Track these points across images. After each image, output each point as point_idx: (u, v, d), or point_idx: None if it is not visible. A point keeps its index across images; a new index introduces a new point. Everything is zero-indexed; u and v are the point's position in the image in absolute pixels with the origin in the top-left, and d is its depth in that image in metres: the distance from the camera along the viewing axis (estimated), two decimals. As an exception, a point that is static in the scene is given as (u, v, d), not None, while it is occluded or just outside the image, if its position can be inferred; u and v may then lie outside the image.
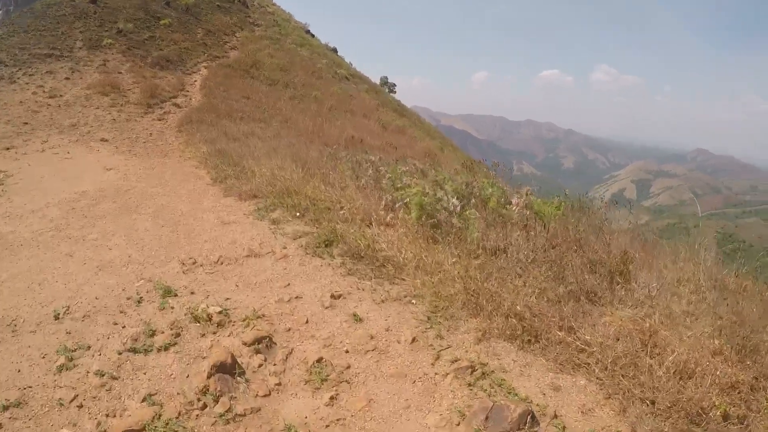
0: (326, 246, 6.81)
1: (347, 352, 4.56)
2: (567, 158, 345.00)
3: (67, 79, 17.14)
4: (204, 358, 4.28)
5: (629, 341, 4.82)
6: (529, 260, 6.72)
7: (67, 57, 19.08)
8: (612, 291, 6.14)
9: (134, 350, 4.42)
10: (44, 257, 6.51)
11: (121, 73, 18.04)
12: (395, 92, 35.39)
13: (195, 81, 19.45)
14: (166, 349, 4.43)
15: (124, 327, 4.80)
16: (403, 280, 5.89)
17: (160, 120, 14.94)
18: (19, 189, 9.49)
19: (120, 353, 4.41)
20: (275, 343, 4.51)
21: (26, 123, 13.73)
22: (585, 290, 6.12)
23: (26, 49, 19.25)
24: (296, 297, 5.34)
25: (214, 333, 4.63)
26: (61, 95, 15.69)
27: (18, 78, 17.03)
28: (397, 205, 8.33)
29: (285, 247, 6.80)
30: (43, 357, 4.51)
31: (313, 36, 32.95)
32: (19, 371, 4.36)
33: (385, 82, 36.17)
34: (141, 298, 5.31)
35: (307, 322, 4.92)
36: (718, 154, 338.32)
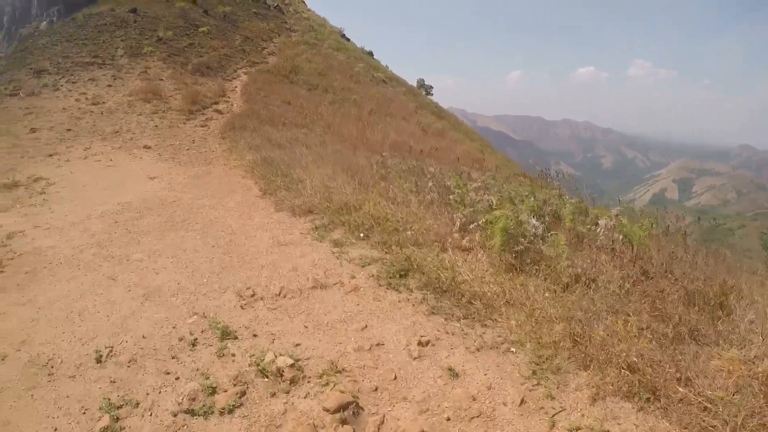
0: (401, 276, 5.85)
1: (449, 419, 3.61)
2: (606, 157, 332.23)
3: (109, 86, 16.63)
4: (278, 427, 3.36)
5: (750, 394, 3.82)
6: (623, 292, 5.70)
7: (109, 65, 18.63)
8: (714, 327, 5.12)
9: (192, 412, 3.56)
10: (85, 280, 5.74)
11: (162, 79, 17.48)
12: (432, 94, 34.39)
13: (235, 87, 18.81)
14: (230, 412, 3.55)
15: (177, 378, 3.94)
16: (496, 321, 4.91)
17: (202, 126, 14.25)
18: (60, 198, 8.84)
19: (175, 415, 3.55)
20: (362, 409, 3.58)
21: (69, 129, 13.18)
22: (689, 328, 5.12)
23: (69, 58, 18.89)
24: (377, 344, 4.40)
25: (287, 393, 3.73)
26: (103, 102, 15.15)
27: (61, 85, 16.60)
28: (471, 226, 7.34)
29: (354, 277, 5.88)
30: (84, 413, 3.71)
31: (348, 40, 32.24)
32: (55, 430, 3.53)
33: (422, 84, 35.17)
34: (195, 339, 4.44)
35: (395, 378, 3.98)
36: (764, 150, 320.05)
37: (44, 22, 28.91)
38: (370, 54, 32.40)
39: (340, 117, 18.86)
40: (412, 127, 23.25)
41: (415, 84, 33.42)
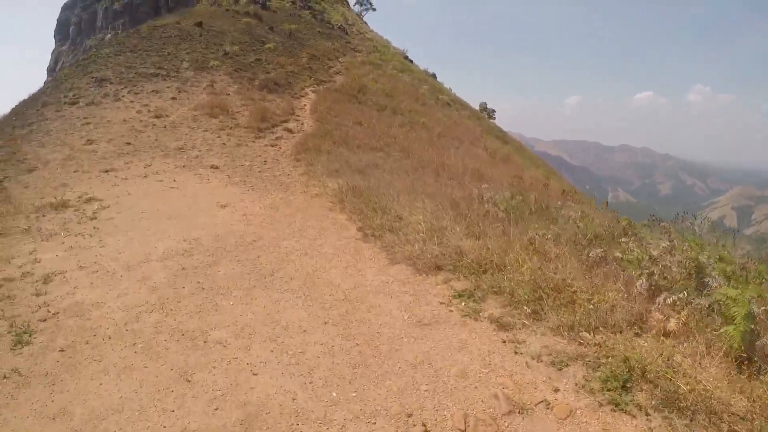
0: (623, 388, 3.55)
1: None
2: (664, 184, 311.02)
3: (173, 99, 14.81)
4: None
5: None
6: None
7: (173, 77, 16.92)
8: None
9: None
10: (144, 377, 3.57)
11: (228, 94, 15.63)
12: (494, 118, 32.01)
13: (304, 105, 16.83)
14: None
15: None
16: None
17: (272, 146, 12.20)
18: (114, 227, 6.82)
19: None
20: None
21: (129, 143, 11.27)
22: None
23: (132, 68, 17.26)
24: None
25: None
26: (166, 115, 13.28)
27: (123, 96, 14.87)
28: (669, 300, 4.95)
29: (557, 389, 3.59)
30: None
31: (411, 62, 30.27)
32: None
33: (484, 108, 32.86)
34: None
35: None
36: None
37: (109, 35, 27.89)
38: (434, 76, 30.37)
39: (413, 140, 16.66)
40: (480, 152, 20.95)
41: (477, 107, 31.24)
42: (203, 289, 5.11)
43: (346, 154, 12.05)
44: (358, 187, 9.25)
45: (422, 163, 13.70)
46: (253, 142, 12.30)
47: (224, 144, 11.65)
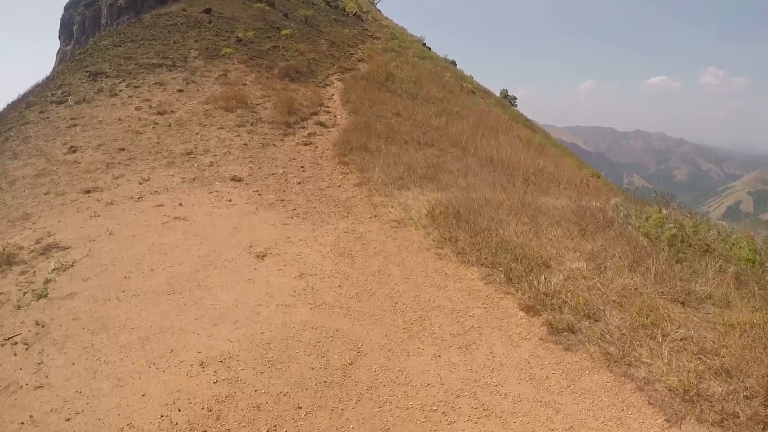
0: None
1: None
2: (680, 170, 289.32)
3: (180, 91, 11.35)
4: None
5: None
6: None
7: (180, 67, 13.42)
8: None
9: None
10: None
11: (245, 84, 12.16)
12: (516, 105, 28.35)
13: (332, 95, 13.38)
14: None
15: None
16: None
17: (306, 145, 8.82)
18: (74, 321, 3.47)
19: None
20: None
21: (122, 149, 7.90)
22: None
23: (133, 59, 13.76)
24: None
25: None
26: (172, 111, 9.85)
27: (120, 90, 11.42)
28: None
29: None
30: None
31: (429, 49, 26.64)
32: None
33: (505, 95, 29.12)
34: None
35: None
36: None
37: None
38: (454, 63, 26.68)
39: (458, 133, 13.28)
40: (515, 142, 17.55)
41: (498, 94, 27.66)
42: None
43: (396, 152, 8.74)
44: (452, 207, 5.88)
45: (484, 160, 10.36)
46: (282, 140, 8.91)
47: (246, 145, 8.26)
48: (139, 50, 14.13)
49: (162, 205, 5.88)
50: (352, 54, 19.09)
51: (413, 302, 4.09)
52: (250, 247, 4.91)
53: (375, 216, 5.89)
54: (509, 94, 29.35)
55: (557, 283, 3.98)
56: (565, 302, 3.79)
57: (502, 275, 4.27)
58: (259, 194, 6.36)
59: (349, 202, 6.33)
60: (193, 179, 6.73)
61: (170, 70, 13.27)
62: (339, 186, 6.85)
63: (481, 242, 4.82)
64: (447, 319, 3.83)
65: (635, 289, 3.82)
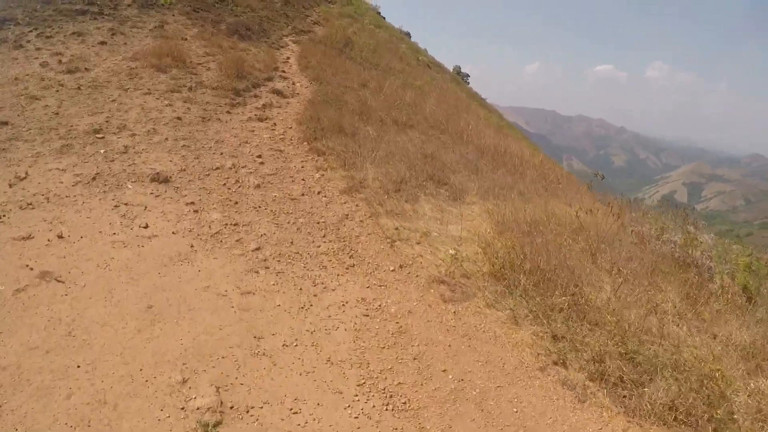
0: None
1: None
2: (618, 156, 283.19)
3: (102, 44, 8.30)
4: None
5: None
6: None
7: (108, 15, 10.13)
8: None
9: None
10: None
11: (185, 39, 9.20)
12: (469, 83, 26.11)
13: (288, 58, 10.65)
14: None
15: None
16: None
17: (261, 120, 6.34)
18: None
19: None
20: None
21: (5, 123, 4.96)
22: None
23: (52, 4, 10.15)
24: None
25: None
26: (86, 68, 6.92)
27: (28, 41, 8.27)
28: None
29: None
30: None
31: (384, 18, 23.61)
32: None
33: (458, 71, 26.69)
34: None
35: None
36: None
37: None
38: (408, 35, 23.82)
39: (432, 111, 11.09)
40: (483, 124, 15.59)
41: (451, 70, 25.18)
42: None
43: (378, 135, 6.61)
44: (512, 247, 3.69)
45: (476, 149, 8.35)
46: (229, 113, 6.35)
47: (179, 119, 5.68)
48: (58, -7, 10.49)
49: (29, 238, 3.34)
50: (307, 15, 15.99)
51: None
52: (183, 383, 2.51)
53: (400, 266, 3.62)
54: (462, 71, 26.94)
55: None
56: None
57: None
58: (196, 210, 3.91)
59: (345, 228, 4.02)
60: (94, 177, 4.15)
61: (95, 19, 9.98)
62: (319, 193, 4.50)
63: (587, 337, 2.74)
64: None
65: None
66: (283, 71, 9.67)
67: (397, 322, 3.34)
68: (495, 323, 3.43)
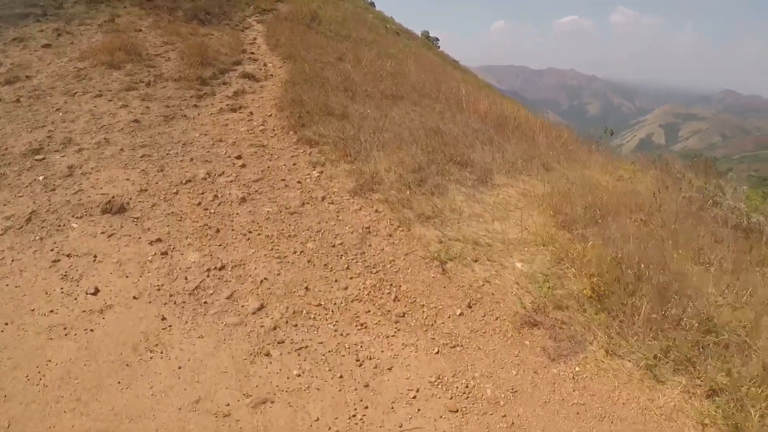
0: None
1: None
2: (592, 105, 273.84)
3: (46, 47, 7.00)
4: None
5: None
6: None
7: (52, 15, 8.77)
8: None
9: None
10: None
11: (140, 30, 7.84)
12: (439, 47, 24.61)
13: (254, 38, 9.42)
14: None
15: None
16: None
17: (235, 111, 5.23)
18: None
19: None
20: None
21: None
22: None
23: (-9, 9, 8.67)
24: None
25: None
26: (27, 77, 5.67)
27: (-38, 52, 6.82)
28: None
29: None
30: None
31: (346, -12, 21.83)
32: None
33: (427, 36, 25.10)
34: None
35: None
36: (747, 95, 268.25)
37: None
38: (372, 5, 22.12)
39: (417, 80, 9.96)
40: (466, 86, 14.45)
41: (420, 35, 23.62)
42: None
43: (371, 113, 5.60)
44: (612, 262, 2.70)
45: (478, 116, 7.39)
46: (196, 106, 5.28)
47: (137, 122, 4.63)
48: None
49: None
50: (269, -8, 14.33)
51: None
52: None
53: (468, 306, 2.43)
54: (431, 35, 25.31)
55: None
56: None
57: None
58: (164, 252, 2.81)
59: (371, 249, 2.84)
60: (29, 218, 3.09)
61: (38, 21, 8.64)
62: (324, 198, 3.45)
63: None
64: None
65: None
66: (252, 53, 8.45)
67: (504, 415, 2.16)
68: (630, 384, 2.31)
